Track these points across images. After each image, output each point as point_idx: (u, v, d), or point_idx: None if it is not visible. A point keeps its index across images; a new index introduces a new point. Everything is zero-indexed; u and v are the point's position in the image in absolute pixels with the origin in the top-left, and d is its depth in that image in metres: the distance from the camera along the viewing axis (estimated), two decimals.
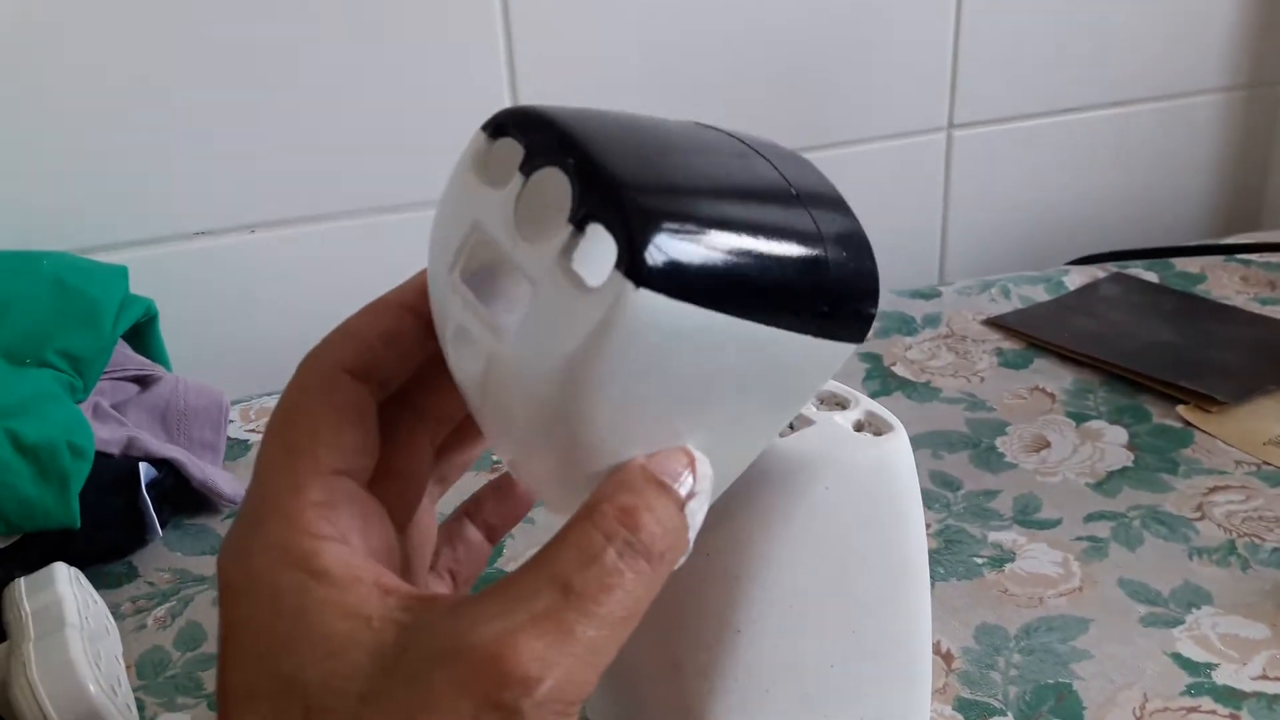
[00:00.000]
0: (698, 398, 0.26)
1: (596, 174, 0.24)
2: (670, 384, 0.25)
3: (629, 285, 0.23)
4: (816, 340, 0.27)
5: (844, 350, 0.28)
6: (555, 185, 0.25)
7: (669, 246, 0.23)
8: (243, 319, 0.77)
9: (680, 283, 0.24)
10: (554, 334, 0.24)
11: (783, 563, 0.35)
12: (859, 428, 0.37)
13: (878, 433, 0.37)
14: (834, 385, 0.39)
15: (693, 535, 0.27)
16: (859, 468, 0.35)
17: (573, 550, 0.25)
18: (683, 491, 0.27)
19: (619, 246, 0.23)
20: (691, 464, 0.27)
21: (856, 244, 0.28)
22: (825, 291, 0.27)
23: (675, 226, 0.24)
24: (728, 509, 0.35)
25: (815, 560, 0.35)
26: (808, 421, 0.37)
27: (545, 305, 0.24)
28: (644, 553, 0.25)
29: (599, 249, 0.23)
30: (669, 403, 0.26)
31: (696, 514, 0.27)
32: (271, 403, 0.70)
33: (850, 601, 0.36)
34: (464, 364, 0.27)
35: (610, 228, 0.23)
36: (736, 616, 0.35)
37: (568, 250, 0.24)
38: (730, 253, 0.25)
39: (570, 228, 0.24)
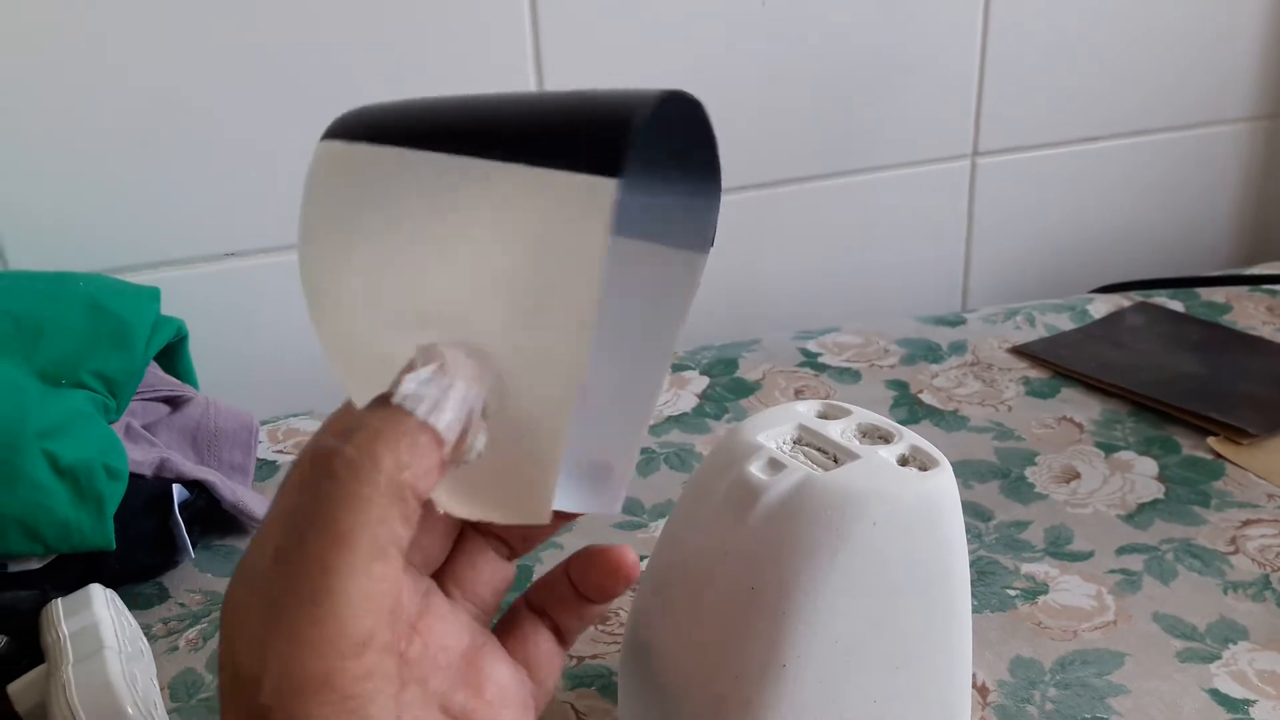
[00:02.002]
0: (424, 257, 0.27)
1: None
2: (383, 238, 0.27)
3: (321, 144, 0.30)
4: (528, 169, 0.25)
5: (581, 181, 0.25)
6: None
7: (345, 120, 0.30)
8: (270, 339, 0.77)
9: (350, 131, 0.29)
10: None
11: (829, 598, 0.35)
12: (903, 462, 0.37)
13: (923, 468, 0.37)
14: (876, 419, 0.39)
15: (443, 422, 0.26)
16: (905, 504, 0.35)
17: (276, 508, 0.26)
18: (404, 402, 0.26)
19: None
20: (410, 366, 0.26)
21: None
22: (510, 122, 0.27)
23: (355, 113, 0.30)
24: (771, 541, 0.35)
25: (861, 596, 0.35)
26: (852, 456, 0.37)
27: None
28: (348, 475, 0.24)
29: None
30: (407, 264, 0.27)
31: (429, 391, 0.26)
32: (300, 423, 0.70)
33: (894, 637, 0.36)
34: None
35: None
36: (782, 652, 0.35)
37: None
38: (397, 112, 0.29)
39: None
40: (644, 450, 0.66)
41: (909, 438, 0.38)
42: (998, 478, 0.62)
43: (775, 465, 0.37)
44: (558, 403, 0.27)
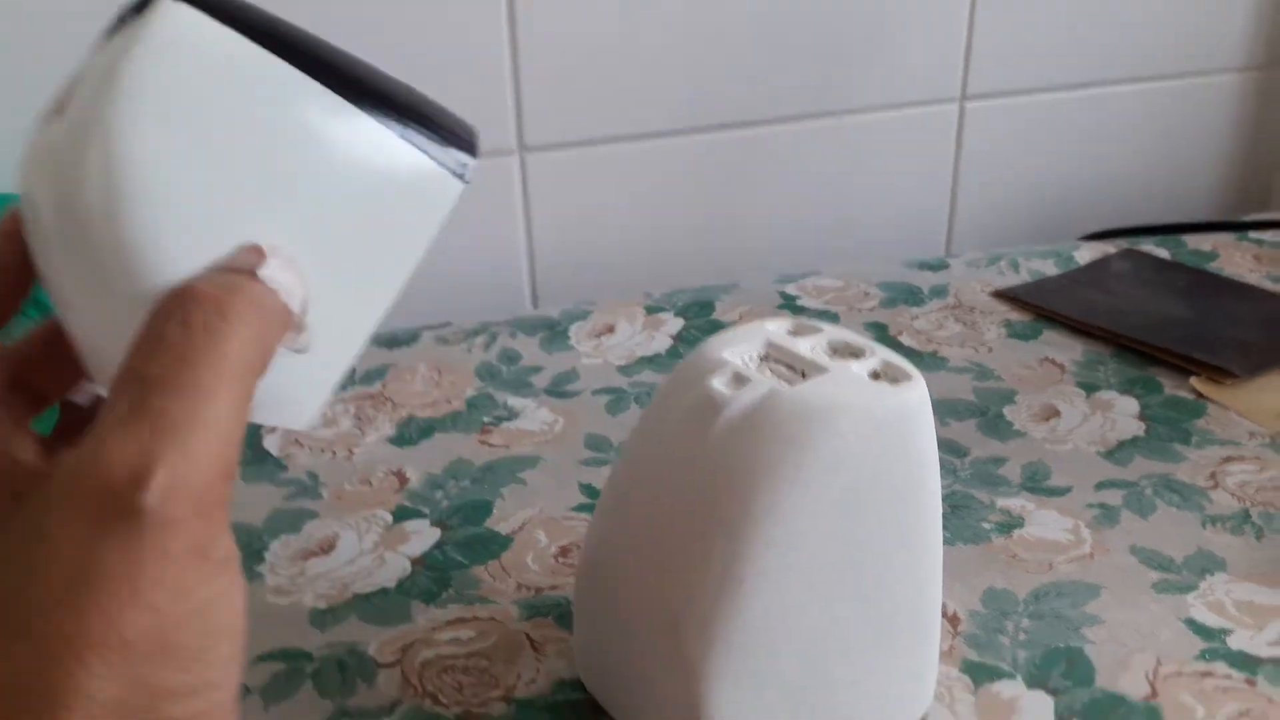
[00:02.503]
0: (265, 179, 0.27)
1: None
2: (229, 145, 0.26)
3: (170, 3, 0.26)
4: (398, 140, 0.28)
5: (438, 181, 0.29)
6: None
7: None
8: None
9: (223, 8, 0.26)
10: (103, 81, 0.25)
11: (791, 515, 0.33)
12: (875, 377, 0.36)
13: (895, 382, 0.35)
14: (849, 335, 0.38)
15: (291, 298, 0.27)
16: (874, 417, 0.34)
17: (138, 346, 0.25)
18: (246, 265, 0.26)
19: None
20: (258, 249, 0.26)
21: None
22: (399, 100, 0.28)
23: None
24: (733, 456, 0.34)
25: (825, 514, 0.34)
26: (820, 370, 0.36)
27: (103, 59, 0.26)
28: (213, 314, 0.25)
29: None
30: (229, 188, 0.26)
31: (278, 278, 0.26)
32: None
33: (860, 557, 0.35)
34: (36, 191, 0.27)
35: None
36: (740, 568, 0.34)
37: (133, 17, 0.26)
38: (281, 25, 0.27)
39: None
40: (613, 389, 0.65)
41: (882, 353, 0.37)
42: (975, 416, 0.61)
43: (739, 380, 0.36)
44: (346, 339, 0.29)
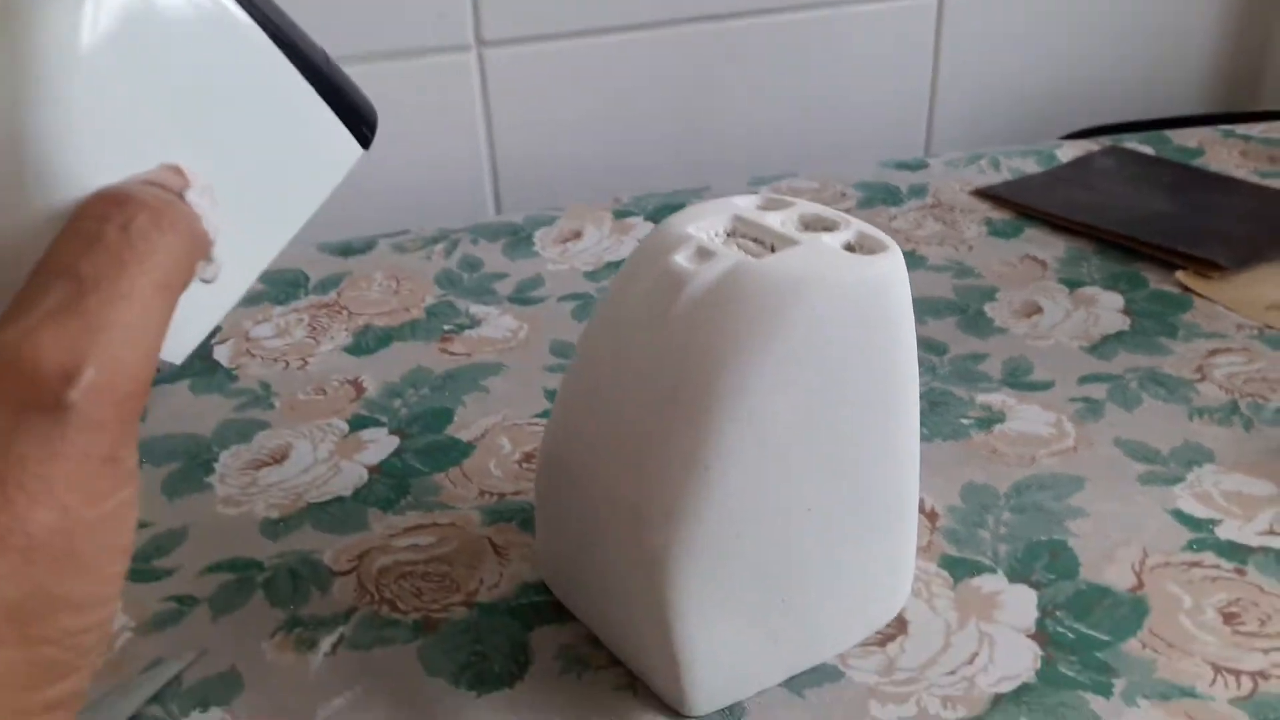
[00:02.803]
0: (191, 105, 0.27)
1: None
2: (158, 62, 0.26)
3: None
4: (317, 97, 0.30)
5: (344, 141, 0.32)
6: None
7: None
8: None
9: None
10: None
11: (759, 393, 0.31)
12: (850, 249, 0.33)
13: (870, 253, 0.33)
14: (822, 209, 0.35)
15: (210, 227, 0.27)
16: (848, 289, 0.32)
17: (72, 241, 0.24)
18: (174, 186, 0.26)
19: None
20: (179, 169, 0.27)
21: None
22: (319, 63, 0.30)
23: None
24: (697, 333, 0.31)
25: (795, 393, 0.32)
26: (791, 243, 0.33)
27: None
28: (150, 224, 0.25)
29: None
30: (154, 108, 0.27)
31: (201, 203, 0.27)
32: None
33: (832, 440, 0.33)
34: None
35: None
36: (705, 452, 0.31)
37: None
38: None
39: None
40: (580, 295, 0.63)
41: (857, 225, 0.34)
42: (955, 314, 0.59)
43: (704, 254, 0.33)
44: (237, 280, 0.30)
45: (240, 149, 0.29)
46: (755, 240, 0.34)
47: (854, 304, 0.31)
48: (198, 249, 0.26)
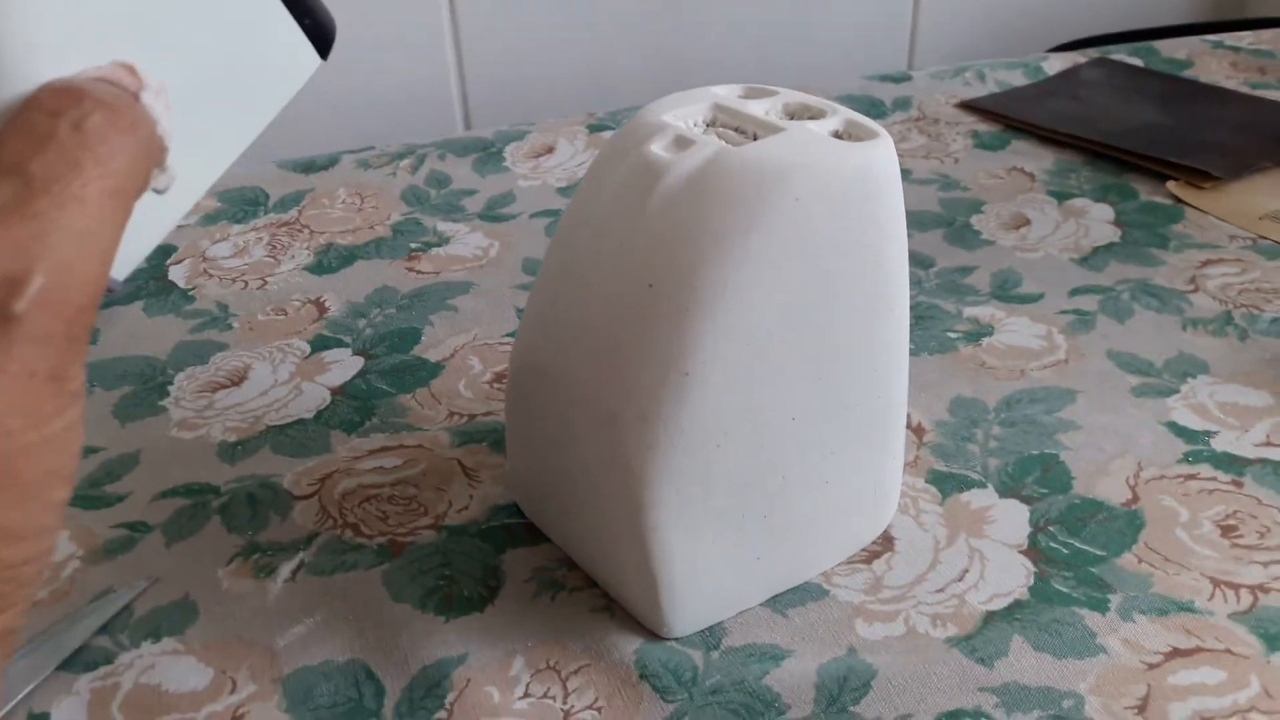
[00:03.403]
0: (136, 8, 0.26)
1: None
2: None
3: None
4: (274, 4, 0.29)
5: (302, 50, 0.30)
6: None
7: None
8: None
9: None
10: None
11: (740, 292, 0.29)
12: (838, 137, 0.31)
13: (858, 140, 0.31)
14: (809, 98, 0.33)
15: (164, 130, 0.25)
16: (836, 176, 0.29)
17: (21, 137, 0.22)
18: (129, 85, 0.24)
19: None
20: (132, 69, 0.25)
21: None
22: None
23: None
24: (674, 227, 0.29)
25: (779, 290, 0.29)
26: (775, 130, 0.31)
27: None
28: (106, 124, 0.23)
29: None
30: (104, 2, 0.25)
31: (156, 106, 0.25)
32: None
33: (818, 341, 0.31)
34: None
35: None
36: (684, 357, 0.29)
37: None
38: None
39: None
40: (553, 211, 0.60)
41: (845, 113, 0.32)
42: (941, 226, 0.56)
43: (682, 143, 0.31)
44: (185, 194, 0.28)
45: (192, 52, 0.28)
46: (737, 129, 0.32)
47: (841, 193, 0.29)
48: (153, 155, 0.24)
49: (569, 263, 0.32)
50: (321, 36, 0.31)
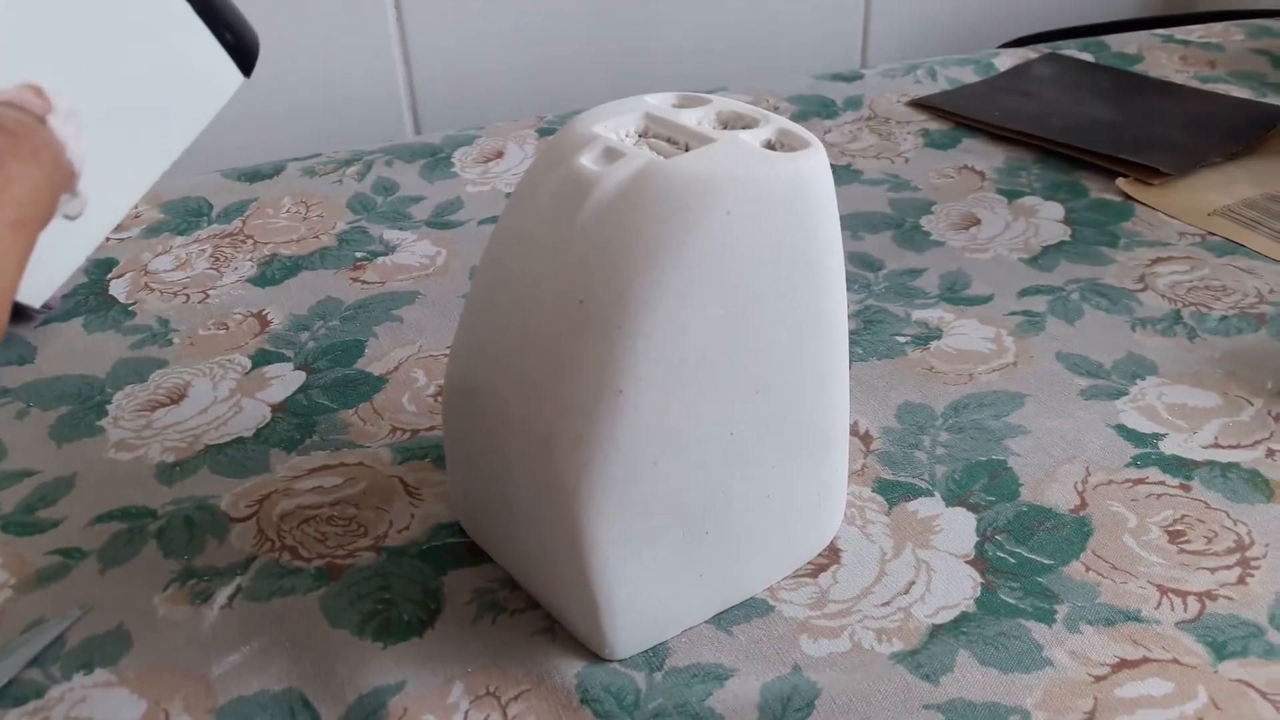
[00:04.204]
0: (44, 25, 0.26)
1: None
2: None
3: None
4: (199, 21, 0.29)
5: (223, 68, 0.30)
6: None
7: None
8: None
9: None
10: None
11: (672, 308, 0.28)
12: (770, 147, 0.30)
13: (790, 150, 0.30)
14: (742, 106, 0.32)
15: (74, 156, 0.25)
16: (767, 189, 0.29)
17: None
18: (35, 109, 0.24)
19: None
20: (39, 91, 0.25)
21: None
22: None
23: None
24: (604, 242, 0.28)
25: (712, 304, 0.29)
26: (706, 141, 0.30)
27: None
28: (5, 151, 0.23)
29: None
30: (9, 18, 0.25)
31: (64, 130, 0.25)
32: None
33: (754, 355, 0.30)
34: None
35: None
36: (617, 375, 0.29)
37: None
38: None
39: None
40: (491, 218, 0.59)
41: (778, 122, 0.31)
42: (891, 228, 0.56)
43: (612, 155, 0.30)
44: (105, 216, 0.28)
45: (107, 72, 0.27)
46: (669, 140, 0.31)
47: (772, 205, 0.29)
48: (61, 182, 0.24)
49: (500, 279, 0.32)
50: (244, 53, 0.31)
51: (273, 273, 0.55)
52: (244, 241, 0.58)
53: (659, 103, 0.33)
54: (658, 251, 0.28)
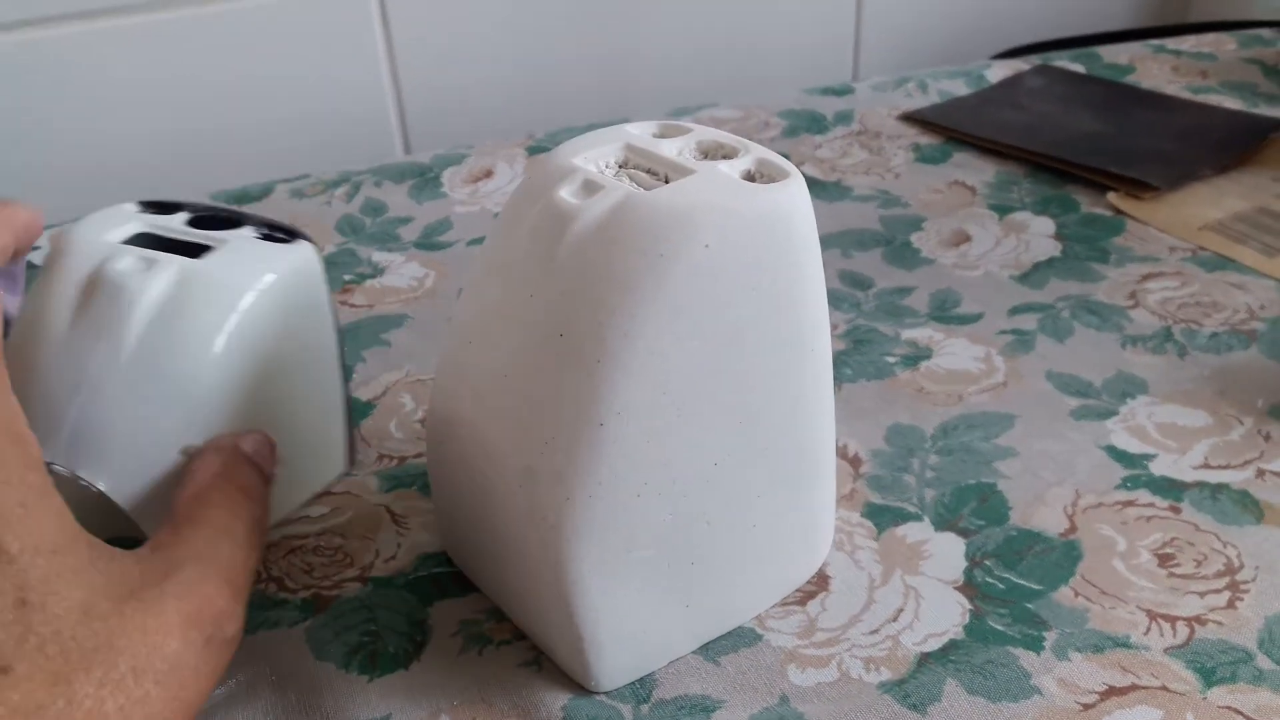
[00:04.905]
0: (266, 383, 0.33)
1: None
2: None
3: None
4: (340, 415, 0.37)
5: (338, 455, 0.38)
6: None
7: None
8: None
9: None
10: None
11: (653, 340, 0.28)
12: (749, 178, 0.30)
13: (770, 181, 0.30)
14: (722, 135, 0.32)
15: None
16: (746, 221, 0.29)
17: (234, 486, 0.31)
18: (267, 470, 0.33)
19: None
20: (274, 447, 0.33)
21: None
22: (348, 389, 0.38)
23: None
24: (584, 275, 0.28)
25: (693, 336, 0.29)
26: (686, 172, 0.30)
27: None
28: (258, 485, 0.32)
29: None
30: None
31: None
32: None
33: (736, 386, 0.30)
34: None
35: None
36: (598, 408, 0.28)
37: None
38: None
39: None
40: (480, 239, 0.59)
41: (758, 152, 0.31)
42: (880, 245, 0.56)
43: (591, 188, 0.30)
44: None
45: (278, 428, 0.33)
46: (649, 171, 0.31)
47: (752, 237, 0.28)
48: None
49: (482, 311, 0.31)
50: (352, 449, 0.37)
51: None
52: None
53: (640, 132, 0.33)
54: (637, 284, 0.28)
